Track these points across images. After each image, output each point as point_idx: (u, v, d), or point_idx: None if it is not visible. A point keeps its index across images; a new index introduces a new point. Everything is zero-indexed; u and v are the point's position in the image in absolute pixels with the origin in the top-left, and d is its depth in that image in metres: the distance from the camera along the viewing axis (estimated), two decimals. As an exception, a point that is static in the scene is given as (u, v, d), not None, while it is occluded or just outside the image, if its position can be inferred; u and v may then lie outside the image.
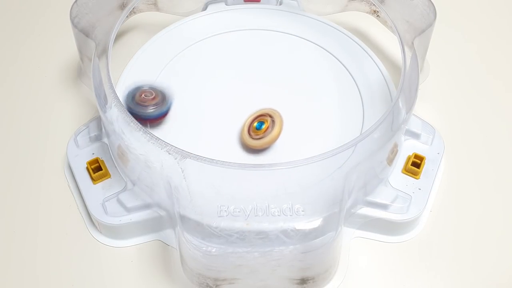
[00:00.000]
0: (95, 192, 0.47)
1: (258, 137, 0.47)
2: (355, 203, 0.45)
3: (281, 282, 0.43)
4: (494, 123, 0.54)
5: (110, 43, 0.49)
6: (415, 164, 0.48)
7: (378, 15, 0.56)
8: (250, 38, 0.56)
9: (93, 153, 0.48)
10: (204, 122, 0.50)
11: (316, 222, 0.41)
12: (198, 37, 0.56)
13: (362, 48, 0.55)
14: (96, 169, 0.47)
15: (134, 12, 0.56)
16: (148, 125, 0.48)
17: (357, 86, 0.52)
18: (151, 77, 0.52)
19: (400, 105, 0.46)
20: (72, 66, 0.57)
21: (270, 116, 0.48)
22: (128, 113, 0.44)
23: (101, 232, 0.47)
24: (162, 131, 0.48)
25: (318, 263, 0.42)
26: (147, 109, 0.48)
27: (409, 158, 0.48)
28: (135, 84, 0.49)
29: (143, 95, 0.48)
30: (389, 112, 0.44)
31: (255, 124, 0.48)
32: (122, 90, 0.50)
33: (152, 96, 0.48)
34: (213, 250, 0.40)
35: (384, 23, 0.55)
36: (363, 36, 0.57)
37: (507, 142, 0.53)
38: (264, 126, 0.47)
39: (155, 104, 0.48)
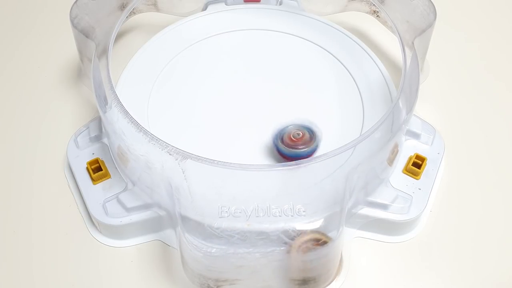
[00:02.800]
0: (95, 192, 0.47)
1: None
2: (356, 204, 0.45)
3: (282, 283, 0.43)
4: (495, 123, 0.54)
5: (110, 44, 0.49)
6: (416, 164, 0.48)
7: (378, 15, 0.56)
8: (250, 38, 0.56)
9: (93, 154, 0.48)
10: (204, 122, 0.50)
11: (317, 223, 0.41)
12: (198, 37, 0.55)
13: (362, 48, 0.55)
14: (96, 169, 0.47)
15: (134, 13, 0.56)
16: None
17: (357, 86, 0.52)
18: (151, 77, 0.52)
19: (401, 105, 0.46)
20: (72, 66, 0.57)
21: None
22: (128, 112, 0.44)
23: (101, 232, 0.47)
24: (162, 131, 0.48)
25: (319, 264, 0.42)
26: (297, 149, 0.47)
27: (410, 158, 0.48)
28: (281, 125, 0.48)
29: (291, 136, 0.47)
30: (390, 113, 0.44)
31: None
32: (122, 90, 0.50)
33: (300, 136, 0.47)
34: (214, 251, 0.40)
35: (384, 23, 0.55)
36: (363, 36, 0.57)
37: (508, 142, 0.53)
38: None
39: (303, 143, 0.47)
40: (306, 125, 0.48)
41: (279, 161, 0.47)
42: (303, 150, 0.46)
